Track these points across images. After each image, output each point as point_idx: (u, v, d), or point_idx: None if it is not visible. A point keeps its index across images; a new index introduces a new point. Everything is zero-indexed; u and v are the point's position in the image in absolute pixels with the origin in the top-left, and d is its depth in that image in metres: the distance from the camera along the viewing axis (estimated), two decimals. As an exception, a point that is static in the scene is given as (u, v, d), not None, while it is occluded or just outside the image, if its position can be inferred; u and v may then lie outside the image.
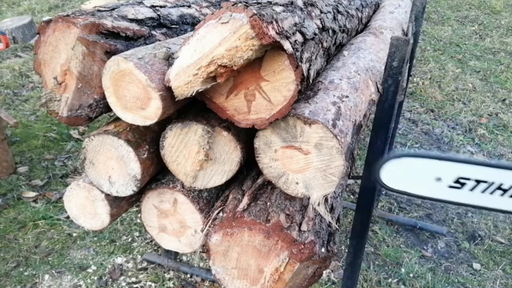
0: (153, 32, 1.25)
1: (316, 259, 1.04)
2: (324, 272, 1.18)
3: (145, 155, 1.14)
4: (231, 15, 0.85)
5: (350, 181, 2.59)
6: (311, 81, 1.03)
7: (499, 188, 0.78)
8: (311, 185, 1.04)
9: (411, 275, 2.00)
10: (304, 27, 1.00)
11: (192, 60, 0.90)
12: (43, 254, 2.02)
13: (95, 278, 1.91)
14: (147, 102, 0.98)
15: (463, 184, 0.81)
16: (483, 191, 0.80)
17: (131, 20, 1.19)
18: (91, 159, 1.17)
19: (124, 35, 1.13)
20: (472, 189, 0.81)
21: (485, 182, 0.79)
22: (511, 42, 5.03)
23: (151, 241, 2.11)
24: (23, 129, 2.94)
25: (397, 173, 0.85)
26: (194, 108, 1.14)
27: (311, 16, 1.09)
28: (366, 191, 1.25)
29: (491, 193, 0.79)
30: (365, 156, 1.24)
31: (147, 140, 1.16)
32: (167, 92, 0.96)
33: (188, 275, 1.93)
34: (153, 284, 1.88)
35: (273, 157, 1.04)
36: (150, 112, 0.99)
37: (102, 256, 2.03)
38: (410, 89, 3.89)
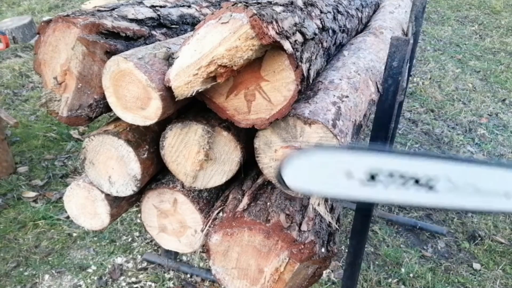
0: (153, 32, 1.25)
1: (316, 259, 1.04)
2: (324, 272, 1.18)
3: (145, 155, 1.14)
4: (231, 15, 0.85)
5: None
6: (311, 81, 1.03)
7: (415, 181, 0.71)
8: (311, 185, 1.04)
9: (411, 275, 2.00)
10: (304, 27, 1.00)
11: (192, 60, 0.90)
12: (43, 254, 2.02)
13: (95, 278, 1.91)
14: (147, 102, 0.98)
15: (376, 179, 0.72)
16: (400, 185, 0.72)
17: (131, 20, 1.19)
18: (91, 159, 1.17)
19: (124, 35, 1.13)
20: (386, 184, 0.72)
21: (399, 175, 0.71)
22: (511, 42, 5.03)
23: (151, 241, 2.11)
24: (23, 129, 2.94)
25: (302, 171, 0.75)
26: (194, 108, 1.14)
27: (311, 16, 1.09)
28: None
29: (407, 186, 0.71)
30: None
31: (147, 140, 1.16)
32: (167, 92, 0.96)
33: (188, 275, 1.93)
34: (153, 284, 1.88)
35: (273, 157, 1.04)
36: (150, 112, 0.99)
37: (102, 256, 2.03)
38: (410, 89, 3.89)
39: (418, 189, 0.71)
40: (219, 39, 0.86)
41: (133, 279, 1.91)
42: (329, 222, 1.12)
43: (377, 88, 1.30)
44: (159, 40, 1.23)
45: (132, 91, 0.99)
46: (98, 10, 1.14)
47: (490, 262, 2.11)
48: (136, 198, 1.31)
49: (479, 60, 4.54)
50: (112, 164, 1.15)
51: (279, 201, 1.11)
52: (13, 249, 2.04)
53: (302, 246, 1.02)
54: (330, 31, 1.23)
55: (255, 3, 0.90)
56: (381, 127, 1.16)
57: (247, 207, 1.08)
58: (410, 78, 2.95)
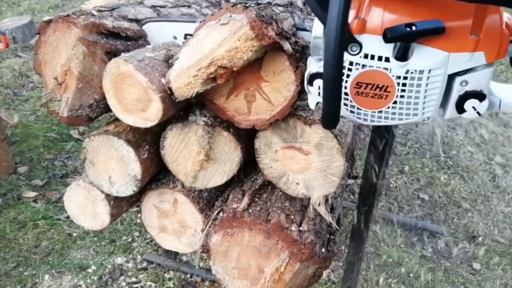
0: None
1: (316, 259, 1.04)
2: (324, 272, 1.19)
3: (145, 155, 1.14)
4: (231, 16, 0.85)
5: (350, 181, 2.59)
6: (311, 82, 1.03)
7: None
8: (312, 186, 1.04)
9: (411, 275, 2.00)
10: (304, 28, 1.00)
11: (192, 61, 0.90)
12: (43, 254, 2.02)
13: (95, 278, 1.91)
14: (147, 104, 0.98)
15: None
16: None
17: (132, 20, 1.19)
18: (91, 159, 1.17)
19: (124, 35, 1.13)
20: None
21: None
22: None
23: (151, 241, 2.11)
24: (23, 129, 2.94)
25: None
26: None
27: (311, 16, 1.09)
28: (366, 191, 1.25)
29: None
30: (365, 156, 1.24)
31: (147, 140, 1.16)
32: (168, 94, 0.96)
33: (188, 275, 1.93)
34: (153, 284, 1.88)
35: (274, 157, 1.05)
36: (151, 114, 0.99)
37: (102, 256, 2.03)
38: (410, 89, 3.88)
39: None
40: (219, 40, 0.86)
41: (133, 279, 1.91)
42: (329, 222, 1.13)
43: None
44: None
45: (132, 94, 0.99)
46: (99, 10, 1.14)
47: (490, 262, 2.11)
48: (136, 198, 1.31)
49: (479, 60, 4.52)
50: (112, 164, 1.15)
51: (279, 201, 1.11)
52: (13, 249, 2.04)
53: (303, 246, 1.02)
54: (330, 31, 1.23)
55: (254, 4, 0.90)
56: (381, 127, 1.16)
57: (247, 207, 1.08)
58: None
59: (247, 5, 0.86)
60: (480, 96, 0.70)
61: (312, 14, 1.10)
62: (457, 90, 0.70)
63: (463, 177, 2.69)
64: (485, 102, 0.71)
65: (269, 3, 0.96)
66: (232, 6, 0.87)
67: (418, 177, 2.66)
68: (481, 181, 2.66)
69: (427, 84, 0.68)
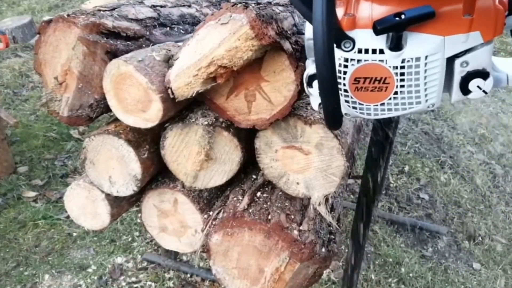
0: (154, 32, 1.25)
1: (316, 259, 1.04)
2: (324, 272, 1.19)
3: (146, 155, 1.14)
4: (231, 16, 0.85)
5: (350, 181, 2.59)
6: (311, 81, 1.03)
7: None
8: (312, 185, 1.04)
9: (411, 275, 2.00)
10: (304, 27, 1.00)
11: (192, 61, 0.90)
12: (43, 254, 2.02)
13: (95, 278, 1.91)
14: (148, 104, 0.98)
15: None
16: None
17: (132, 20, 1.19)
18: (92, 159, 1.17)
19: (124, 35, 1.13)
20: None
21: None
22: (511, 42, 5.03)
23: (151, 241, 2.11)
24: (23, 129, 2.94)
25: None
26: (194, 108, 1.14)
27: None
28: (366, 191, 1.25)
29: None
30: (365, 156, 1.24)
31: (148, 140, 1.16)
32: (168, 94, 0.96)
33: (188, 275, 1.93)
34: (153, 284, 1.88)
35: (274, 157, 1.04)
36: (151, 114, 0.99)
37: (102, 256, 2.03)
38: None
39: None
40: (219, 40, 0.86)
41: (133, 279, 1.91)
42: (330, 222, 1.13)
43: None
44: (160, 40, 1.23)
45: (133, 94, 0.99)
46: (99, 10, 1.14)
47: (490, 262, 2.11)
48: (136, 198, 1.31)
49: (479, 60, 4.52)
50: (113, 164, 1.15)
51: (280, 201, 1.11)
52: (13, 249, 2.04)
53: (303, 246, 1.02)
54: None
55: (254, 3, 0.90)
56: (382, 125, 1.16)
57: (248, 207, 1.08)
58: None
59: (247, 4, 0.86)
60: (483, 74, 0.69)
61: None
62: (459, 71, 0.69)
63: (463, 177, 2.69)
64: (490, 80, 0.69)
65: (269, 3, 0.96)
66: (232, 6, 0.87)
67: (418, 177, 2.66)
68: (481, 181, 2.66)
69: (425, 71, 0.68)
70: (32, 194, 2.39)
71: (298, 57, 0.91)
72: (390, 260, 2.08)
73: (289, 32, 0.92)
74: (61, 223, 2.21)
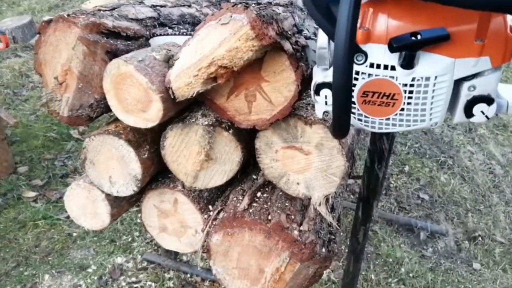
0: (154, 32, 1.25)
1: (316, 259, 1.04)
2: (324, 272, 1.19)
3: (146, 155, 1.14)
4: (231, 16, 0.85)
5: (350, 181, 2.59)
6: (311, 82, 1.03)
7: None
8: (312, 186, 1.04)
9: (411, 275, 2.00)
10: (305, 27, 1.00)
11: (193, 61, 0.90)
12: (43, 254, 2.02)
13: (95, 278, 1.91)
14: (148, 104, 0.98)
15: None
16: None
17: (132, 20, 1.19)
18: (92, 159, 1.17)
19: (125, 34, 1.13)
20: None
21: None
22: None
23: (151, 241, 2.11)
24: (23, 129, 2.94)
25: None
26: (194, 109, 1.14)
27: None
28: (366, 191, 1.25)
29: None
30: (365, 156, 1.24)
31: (148, 140, 1.16)
32: (168, 94, 0.96)
33: (188, 275, 1.93)
34: (153, 284, 1.88)
35: (274, 157, 1.04)
36: (152, 114, 0.99)
37: (102, 256, 2.03)
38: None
39: None
40: (219, 40, 0.86)
41: (133, 279, 1.91)
42: (330, 222, 1.13)
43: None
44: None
45: (133, 94, 0.99)
46: (99, 10, 1.14)
47: (490, 262, 2.11)
48: (136, 198, 1.31)
49: (479, 60, 4.52)
50: (113, 164, 1.15)
51: (280, 201, 1.11)
52: (13, 249, 2.03)
53: (303, 246, 1.02)
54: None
55: (255, 4, 0.90)
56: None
57: (248, 207, 1.08)
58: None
59: (247, 5, 0.86)
60: (488, 100, 0.70)
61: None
62: (465, 95, 0.70)
63: (463, 177, 2.69)
64: (494, 106, 0.70)
65: (270, 3, 0.96)
66: (233, 6, 0.87)
67: (418, 177, 2.66)
68: (481, 181, 2.67)
69: (433, 91, 0.68)
70: (32, 194, 2.39)
71: (298, 58, 0.91)
72: (390, 260, 2.08)
73: (289, 33, 0.92)
74: (61, 223, 2.21)
